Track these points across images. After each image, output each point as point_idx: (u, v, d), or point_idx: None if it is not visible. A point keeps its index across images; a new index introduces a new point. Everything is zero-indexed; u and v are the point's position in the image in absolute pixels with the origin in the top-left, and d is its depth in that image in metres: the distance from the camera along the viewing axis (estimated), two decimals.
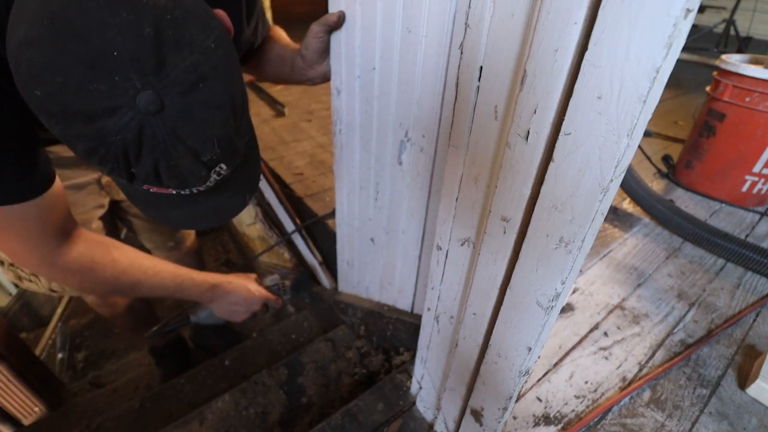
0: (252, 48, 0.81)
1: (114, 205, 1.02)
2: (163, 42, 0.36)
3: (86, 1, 0.33)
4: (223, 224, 2.31)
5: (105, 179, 0.94)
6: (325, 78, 0.81)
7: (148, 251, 1.25)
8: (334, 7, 0.72)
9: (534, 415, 0.78)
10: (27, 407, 1.12)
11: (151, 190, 0.45)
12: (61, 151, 0.80)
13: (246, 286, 0.89)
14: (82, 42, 0.33)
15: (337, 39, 0.75)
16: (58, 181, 0.59)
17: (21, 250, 0.59)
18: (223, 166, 0.45)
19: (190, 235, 1.29)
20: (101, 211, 0.96)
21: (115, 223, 1.08)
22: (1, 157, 0.48)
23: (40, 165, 0.55)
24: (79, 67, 0.34)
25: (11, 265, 0.84)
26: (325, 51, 0.76)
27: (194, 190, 0.46)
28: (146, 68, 0.35)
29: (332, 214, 1.15)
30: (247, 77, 2.65)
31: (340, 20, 0.71)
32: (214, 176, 0.45)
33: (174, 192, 0.45)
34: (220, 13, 0.46)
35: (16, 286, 2.03)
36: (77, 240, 0.64)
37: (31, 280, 0.87)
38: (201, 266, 1.36)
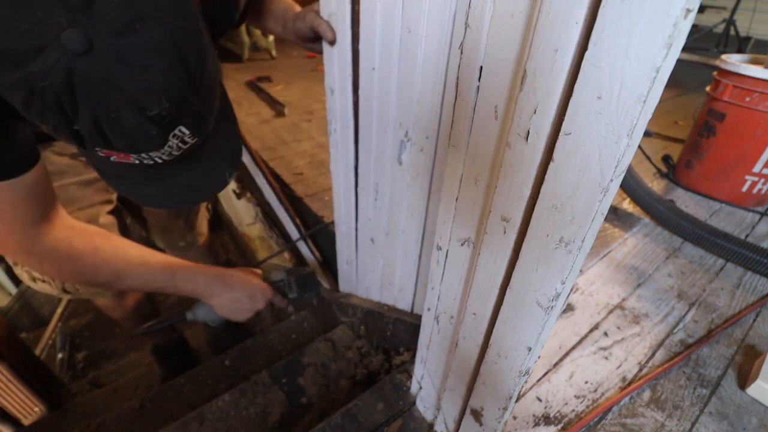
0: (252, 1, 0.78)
1: (125, 202, 1.01)
2: None
3: None
4: (224, 228, 2.31)
5: None
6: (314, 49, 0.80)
7: (161, 252, 1.25)
8: (325, 9, 0.73)
9: (534, 415, 0.78)
10: (27, 407, 1.12)
11: (110, 158, 0.41)
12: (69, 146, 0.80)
13: (250, 281, 0.81)
14: None
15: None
16: (41, 166, 0.55)
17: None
18: (184, 130, 0.41)
19: (202, 235, 1.28)
20: (109, 207, 0.94)
21: (125, 222, 1.06)
22: None
23: (17, 146, 0.50)
24: (1, 5, 0.31)
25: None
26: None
27: (157, 159, 0.42)
28: (72, 3, 0.32)
29: None
30: (248, 77, 2.65)
31: (332, 43, 0.73)
32: (175, 142, 0.41)
33: (135, 160, 0.42)
34: None
35: (16, 285, 2.03)
36: (58, 227, 0.59)
37: (44, 281, 0.85)
38: (212, 264, 1.35)
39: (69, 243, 0.60)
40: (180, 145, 0.42)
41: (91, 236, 0.63)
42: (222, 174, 0.53)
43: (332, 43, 0.74)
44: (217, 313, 0.80)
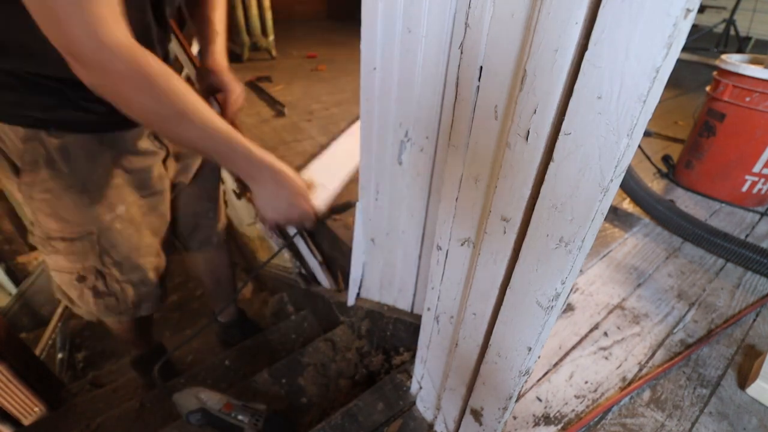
0: None
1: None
2: None
3: None
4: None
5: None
6: None
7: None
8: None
9: (534, 415, 0.78)
10: (27, 407, 1.12)
11: None
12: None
13: (299, 190, 0.77)
14: None
15: None
16: None
17: (65, 13, 0.49)
18: None
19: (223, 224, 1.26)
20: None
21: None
22: None
23: None
24: None
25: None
26: None
27: None
28: None
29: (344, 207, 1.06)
30: (247, 76, 2.66)
31: None
32: None
33: None
34: None
35: (16, 285, 2.04)
36: (131, 40, 0.55)
37: (80, 306, 0.88)
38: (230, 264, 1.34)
39: (146, 56, 0.56)
40: None
41: (165, 66, 0.58)
42: None
43: None
44: (254, 199, 0.78)
